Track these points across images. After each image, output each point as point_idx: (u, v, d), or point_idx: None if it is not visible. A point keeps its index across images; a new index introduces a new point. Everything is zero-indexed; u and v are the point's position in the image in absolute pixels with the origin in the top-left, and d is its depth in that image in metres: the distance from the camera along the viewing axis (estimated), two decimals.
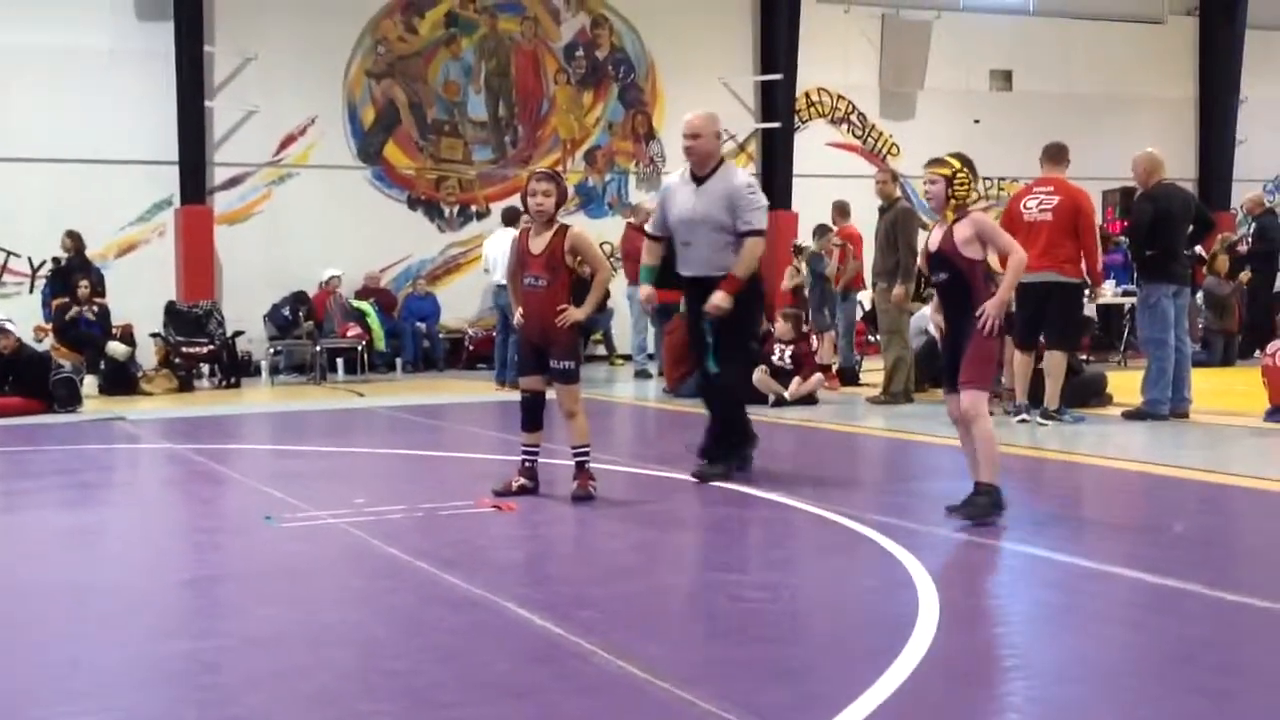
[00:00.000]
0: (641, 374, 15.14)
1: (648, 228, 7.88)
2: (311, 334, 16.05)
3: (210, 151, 16.84)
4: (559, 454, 7.46)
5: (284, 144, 17.28)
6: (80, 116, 16.16)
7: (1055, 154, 10.18)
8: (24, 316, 14.12)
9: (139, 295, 15.74)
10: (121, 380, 14.17)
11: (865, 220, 13.14)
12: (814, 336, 13.38)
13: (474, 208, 18.31)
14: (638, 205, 16.35)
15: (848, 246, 13.91)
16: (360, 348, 16.34)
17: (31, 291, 16.09)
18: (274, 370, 16.31)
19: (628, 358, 16.70)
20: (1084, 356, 14.30)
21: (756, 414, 10.96)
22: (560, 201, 6.77)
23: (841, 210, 14.39)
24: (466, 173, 18.28)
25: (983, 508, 5.85)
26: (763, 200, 7.33)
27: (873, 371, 13.53)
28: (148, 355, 15.34)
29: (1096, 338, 16.57)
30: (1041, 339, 9.95)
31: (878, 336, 13.26)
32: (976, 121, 20.73)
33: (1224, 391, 12.06)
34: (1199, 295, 15.85)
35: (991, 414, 9.91)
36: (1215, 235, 16.02)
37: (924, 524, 5.92)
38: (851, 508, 6.34)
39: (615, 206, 18.91)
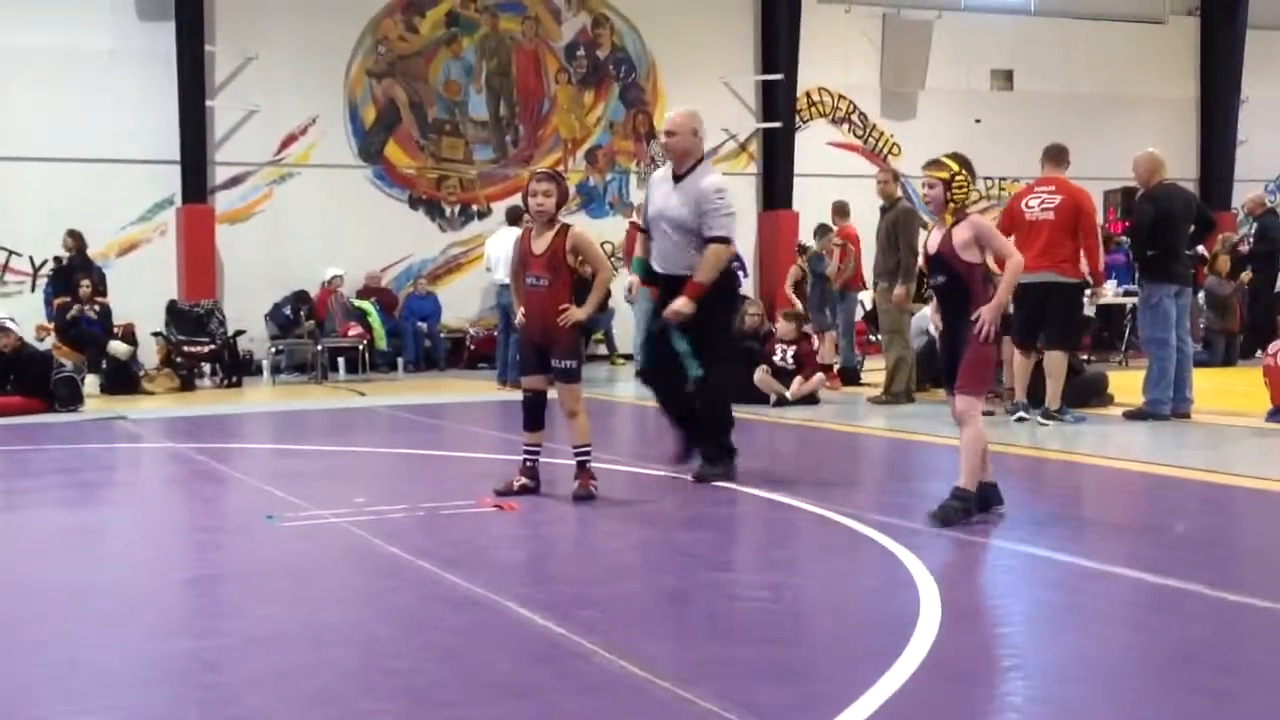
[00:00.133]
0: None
1: (637, 219, 7.91)
2: (313, 333, 16.06)
3: (211, 151, 16.85)
4: (560, 453, 7.46)
5: (285, 143, 17.29)
6: (82, 116, 16.17)
7: (1056, 155, 10.20)
8: (26, 316, 14.12)
9: (140, 294, 15.76)
10: (123, 379, 14.18)
11: (866, 220, 13.14)
12: (815, 336, 13.39)
13: (475, 207, 18.32)
14: (639, 205, 16.35)
15: (848, 246, 13.92)
16: (361, 347, 16.35)
17: (33, 291, 16.10)
18: (275, 369, 16.32)
19: (629, 357, 16.68)
20: (1085, 356, 14.30)
21: (758, 414, 11.00)
22: (561, 201, 6.77)
23: (840, 210, 14.40)
24: (467, 172, 18.28)
25: (952, 512, 5.85)
26: (730, 208, 7.21)
27: (874, 371, 13.53)
28: (149, 354, 15.35)
29: (1099, 338, 16.57)
30: (1041, 339, 9.96)
31: (879, 336, 13.26)
32: (977, 121, 20.73)
33: (1225, 392, 12.05)
34: (1200, 295, 15.85)
35: (993, 413, 10.04)
36: (1216, 235, 16.02)
37: (925, 524, 5.91)
38: (853, 507, 6.34)
39: (616, 206, 18.91)
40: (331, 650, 4.16)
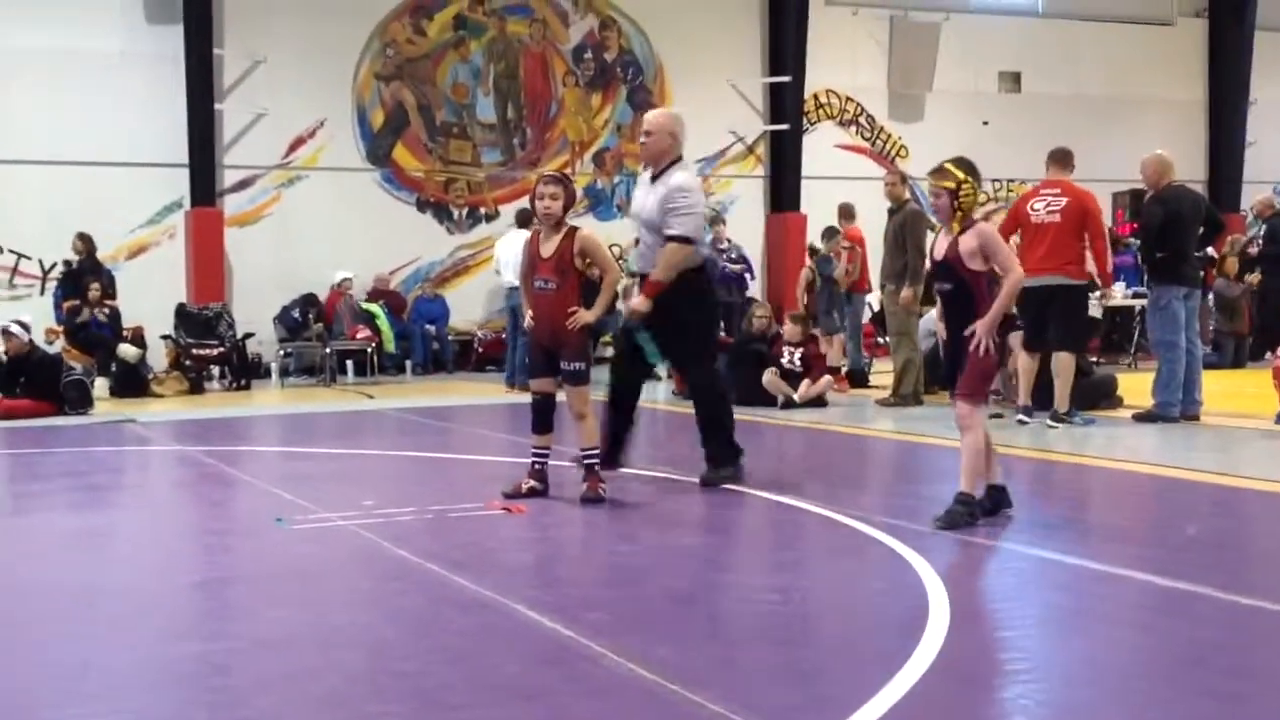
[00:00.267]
0: (651, 376, 15.11)
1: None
2: (321, 336, 16.08)
3: (220, 154, 16.86)
4: (569, 456, 7.46)
5: (293, 146, 17.30)
6: (90, 119, 16.19)
7: (1061, 158, 10.21)
8: (35, 319, 14.11)
9: (149, 297, 15.78)
10: (132, 382, 14.20)
11: (874, 222, 13.13)
12: (822, 339, 13.39)
13: (483, 210, 18.32)
14: None
15: (856, 249, 13.92)
16: (370, 350, 16.36)
17: (42, 294, 16.12)
18: (284, 372, 16.33)
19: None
20: (1094, 359, 14.28)
21: (766, 416, 11.00)
22: (568, 204, 6.77)
23: (846, 213, 14.40)
24: (475, 175, 18.29)
25: (957, 516, 5.87)
26: (694, 208, 7.12)
27: (882, 374, 13.52)
28: (158, 357, 15.37)
29: (1108, 340, 16.54)
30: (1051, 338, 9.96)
31: (886, 339, 13.25)
32: (985, 123, 20.70)
33: (1235, 394, 12.02)
34: (1210, 297, 15.82)
35: (1001, 416, 10.03)
36: (1225, 237, 15.98)
37: (931, 526, 5.90)
38: (861, 510, 6.33)
39: (624, 209, 18.89)
40: (340, 653, 4.17)
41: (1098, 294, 11.45)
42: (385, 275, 17.56)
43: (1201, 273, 11.66)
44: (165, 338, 15.48)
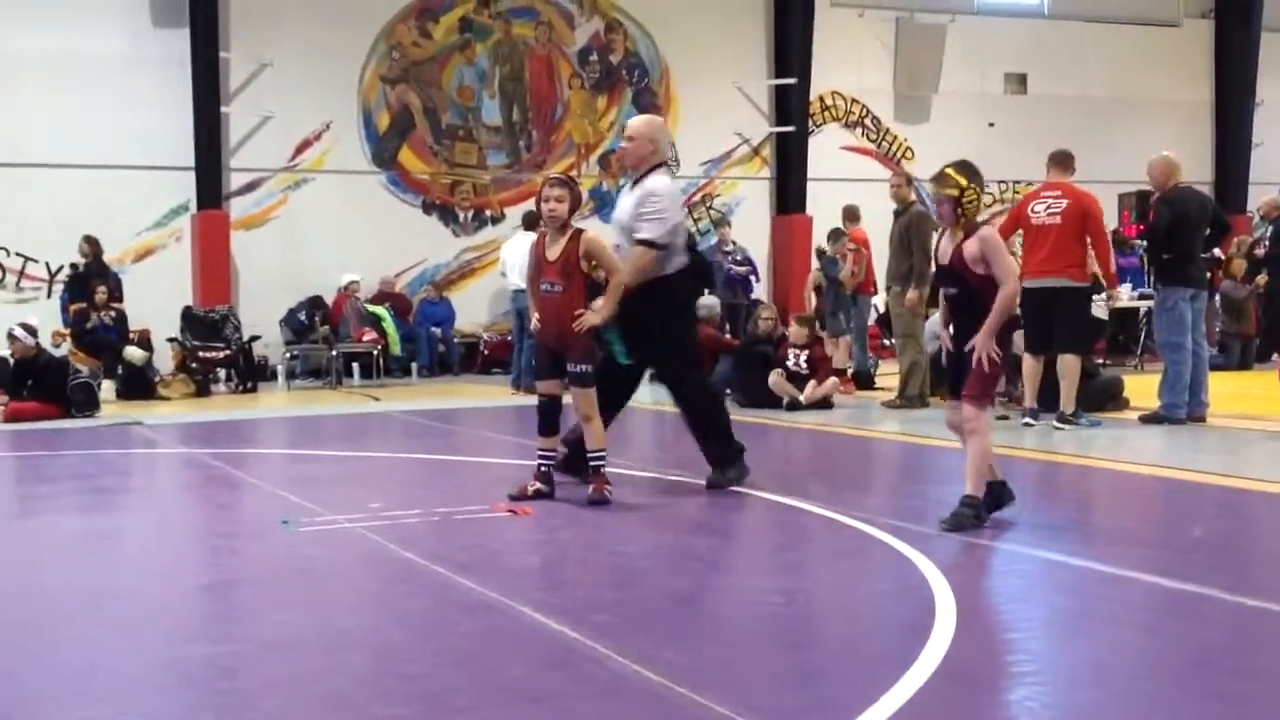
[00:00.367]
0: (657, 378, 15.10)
1: None
2: (327, 338, 16.10)
3: (226, 157, 16.89)
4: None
5: (299, 149, 17.33)
6: (97, 122, 16.22)
7: (1062, 160, 10.22)
8: (42, 322, 14.15)
9: (156, 300, 15.80)
10: (139, 385, 14.23)
11: (879, 224, 13.12)
12: (828, 341, 13.38)
13: (488, 212, 18.33)
14: None
15: (862, 251, 13.92)
16: (376, 352, 16.38)
17: (49, 297, 16.16)
18: (290, 375, 16.35)
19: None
20: (1100, 361, 14.27)
21: (772, 418, 11.01)
22: (574, 207, 6.79)
23: (850, 214, 14.40)
24: (481, 177, 18.30)
25: (963, 518, 5.87)
26: (664, 213, 7.02)
27: (888, 376, 13.51)
28: (165, 360, 15.39)
29: (1114, 342, 16.52)
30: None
31: (892, 340, 13.25)
32: (991, 125, 20.68)
33: (1241, 395, 12.01)
34: (1216, 299, 15.80)
35: (1007, 418, 10.03)
36: (1231, 239, 15.96)
37: (938, 528, 5.90)
38: (866, 512, 6.33)
39: None
40: (346, 655, 4.17)
41: (1103, 295, 11.45)
42: (391, 278, 17.57)
43: (1208, 274, 11.65)
44: (171, 340, 15.50)
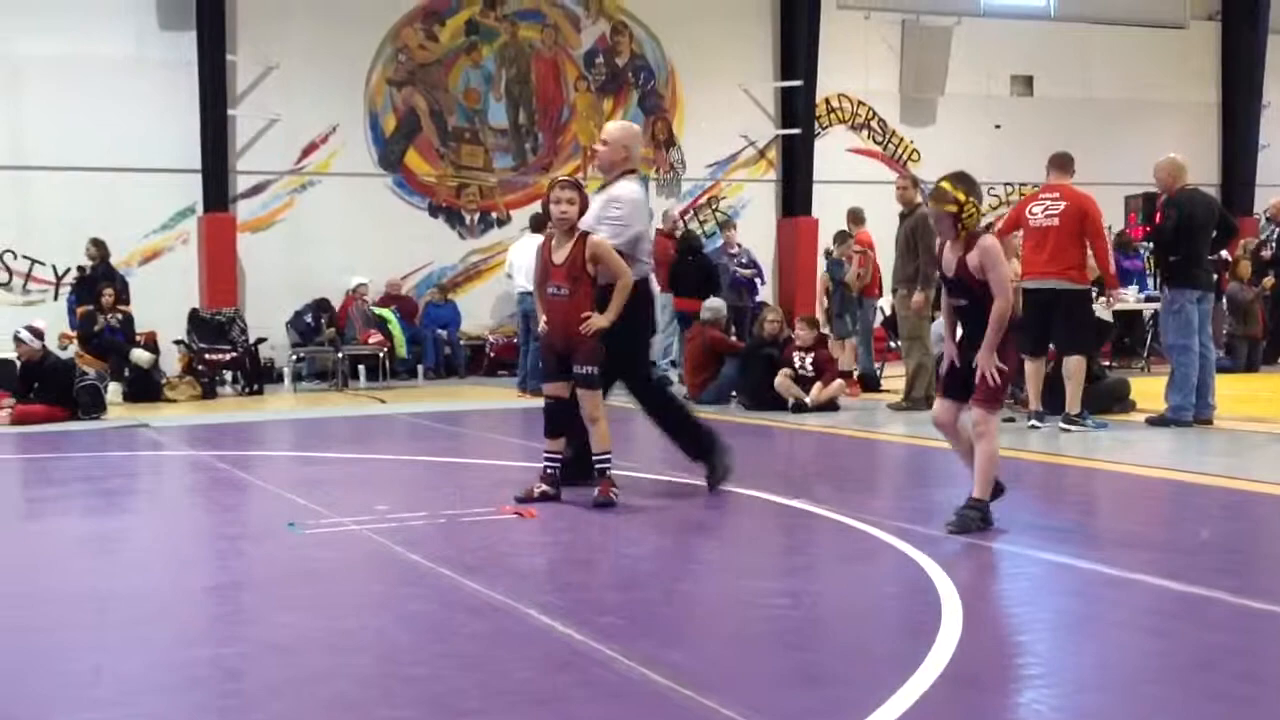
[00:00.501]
0: (663, 380, 15.12)
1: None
2: (333, 341, 16.12)
3: (233, 159, 16.92)
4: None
5: (306, 152, 17.35)
6: (104, 125, 16.25)
7: (1061, 162, 10.22)
8: (49, 324, 14.17)
9: (162, 303, 15.83)
10: (145, 387, 14.25)
11: (886, 227, 13.11)
12: (834, 343, 13.38)
13: (495, 215, 18.35)
14: (665, 212, 16.39)
15: (868, 253, 13.92)
16: (382, 355, 16.39)
17: (56, 299, 16.19)
18: (296, 377, 16.37)
19: (653, 364, 16.69)
20: (1106, 363, 14.25)
21: (778, 420, 11.00)
22: (583, 210, 6.79)
23: (855, 217, 14.38)
24: (487, 180, 18.31)
25: (969, 521, 5.88)
26: (624, 219, 6.99)
27: (894, 378, 13.50)
28: (171, 362, 15.41)
29: (1120, 344, 16.50)
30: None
31: (898, 343, 13.25)
32: (997, 127, 20.68)
33: (1248, 397, 11.99)
34: (1223, 301, 15.77)
35: (1013, 420, 10.01)
36: (1238, 241, 15.93)
37: (944, 530, 5.89)
38: (872, 514, 6.33)
39: None
40: (351, 657, 4.18)
41: (1106, 296, 11.42)
42: (397, 280, 17.59)
43: (1215, 276, 11.63)
44: (178, 343, 15.53)
